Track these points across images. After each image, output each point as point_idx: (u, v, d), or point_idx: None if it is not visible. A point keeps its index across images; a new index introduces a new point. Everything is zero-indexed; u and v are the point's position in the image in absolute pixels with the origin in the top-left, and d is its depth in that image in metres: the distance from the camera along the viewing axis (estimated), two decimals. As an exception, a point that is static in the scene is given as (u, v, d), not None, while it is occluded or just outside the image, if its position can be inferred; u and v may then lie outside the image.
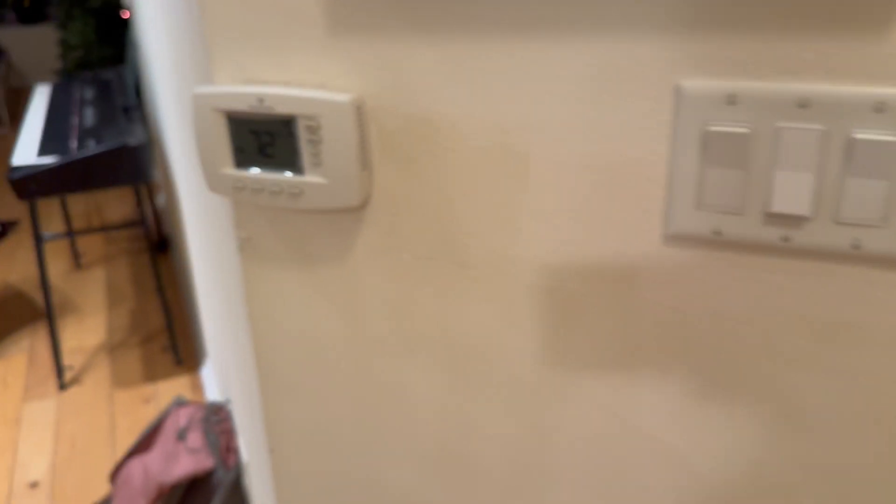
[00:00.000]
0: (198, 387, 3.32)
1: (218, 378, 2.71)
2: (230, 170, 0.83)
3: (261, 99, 0.77)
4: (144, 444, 2.13)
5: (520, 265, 0.78)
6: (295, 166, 0.80)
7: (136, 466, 2.08)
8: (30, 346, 3.69)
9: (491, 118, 0.72)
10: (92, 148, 2.92)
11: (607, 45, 0.65)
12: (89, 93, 3.93)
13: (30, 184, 2.82)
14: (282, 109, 0.77)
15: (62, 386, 3.38)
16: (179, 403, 2.17)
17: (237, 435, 2.02)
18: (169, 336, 3.52)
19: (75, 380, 3.43)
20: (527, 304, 0.79)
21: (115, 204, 5.44)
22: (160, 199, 4.59)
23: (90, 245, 4.76)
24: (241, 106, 0.78)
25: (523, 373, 0.83)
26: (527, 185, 0.74)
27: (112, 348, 3.69)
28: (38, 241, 3.16)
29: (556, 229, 0.74)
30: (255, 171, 0.82)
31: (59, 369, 3.39)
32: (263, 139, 0.80)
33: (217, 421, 2.03)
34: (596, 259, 0.74)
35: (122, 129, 3.14)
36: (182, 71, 1.43)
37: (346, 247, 0.86)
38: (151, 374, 3.44)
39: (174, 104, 1.97)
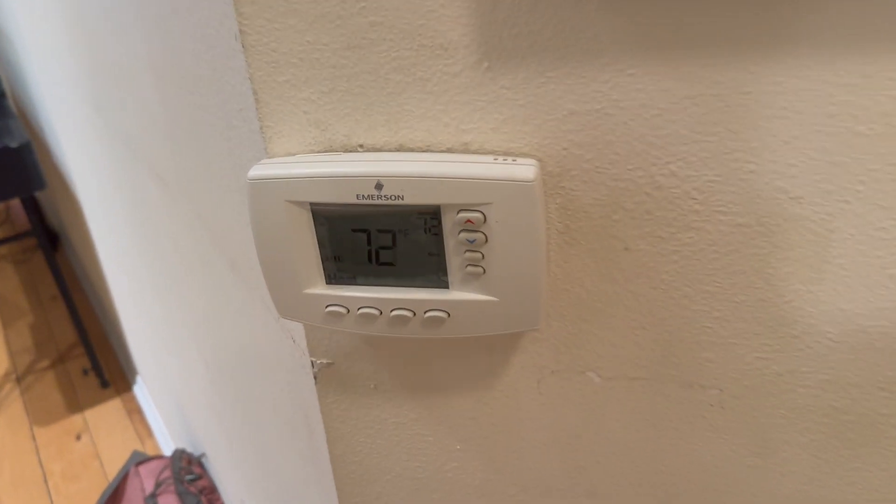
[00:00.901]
0: (135, 411, 2.91)
1: (173, 422, 2.35)
2: (320, 288, 0.52)
3: (379, 184, 0.47)
4: (104, 514, 1.79)
5: (793, 382, 0.52)
6: (436, 279, 0.50)
7: (100, 545, 1.74)
8: (-83, 388, 3.15)
9: (767, 178, 0.45)
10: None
11: None
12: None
13: None
14: (417, 198, 0.47)
15: (-32, 430, 2.90)
16: (139, 461, 1.82)
17: (219, 491, 1.71)
18: (86, 353, 3.07)
19: (-18, 420, 2.96)
20: (797, 433, 0.55)
21: (-15, 200, 4.74)
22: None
23: (-35, 254, 4.13)
24: (341, 196, 0.48)
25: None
26: (821, 274, 0.48)
27: (19, 376, 3.20)
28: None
29: (862, 332, 0.49)
30: (361, 288, 0.52)
31: (-39, 412, 2.91)
32: (379, 242, 0.50)
33: (192, 479, 1.70)
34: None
35: (-8, 127, 2.60)
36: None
37: (495, 369, 0.58)
38: (75, 403, 3.00)
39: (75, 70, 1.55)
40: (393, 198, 0.47)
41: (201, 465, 1.75)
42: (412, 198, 0.47)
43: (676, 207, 0.48)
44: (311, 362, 0.61)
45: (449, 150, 0.50)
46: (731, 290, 0.50)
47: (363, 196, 0.47)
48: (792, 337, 0.50)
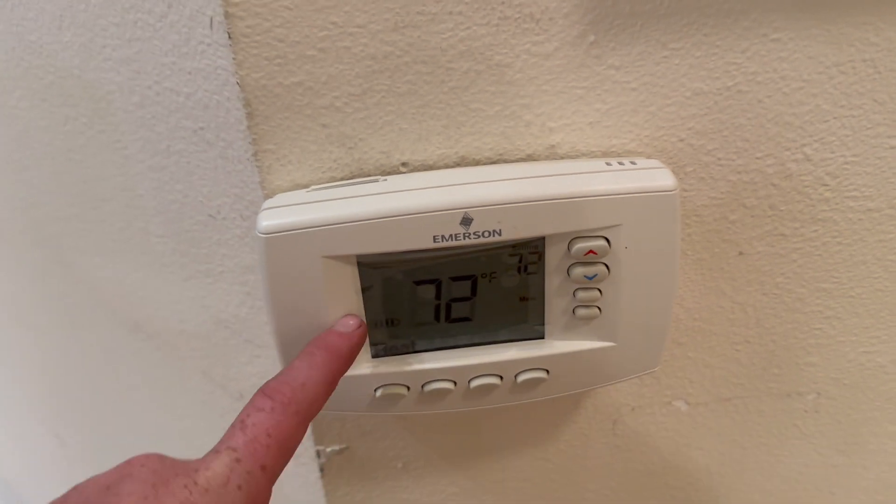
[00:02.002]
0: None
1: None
2: (365, 367, 0.38)
3: (467, 218, 0.33)
4: None
5: (894, 372, 0.47)
6: (528, 330, 0.38)
7: None
8: None
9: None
10: None
11: None
12: None
13: None
14: (519, 231, 0.34)
15: None
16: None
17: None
18: None
19: None
20: (889, 423, 0.50)
21: None
22: None
23: None
24: (409, 241, 0.34)
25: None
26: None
27: None
28: None
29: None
30: (424, 357, 0.38)
31: None
32: (453, 293, 0.37)
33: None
34: None
35: None
36: None
37: (561, 419, 0.47)
38: None
39: None
40: (486, 234, 0.34)
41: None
42: (512, 231, 0.34)
43: (805, 198, 0.39)
44: (317, 452, 0.46)
45: (529, 158, 0.37)
46: (848, 284, 0.43)
47: (443, 237, 0.33)
48: (910, 326, 0.44)
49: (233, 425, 0.29)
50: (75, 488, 0.27)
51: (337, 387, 0.38)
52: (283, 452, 0.29)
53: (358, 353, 0.34)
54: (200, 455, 0.29)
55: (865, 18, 0.35)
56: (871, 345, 0.46)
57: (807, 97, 0.36)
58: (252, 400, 0.30)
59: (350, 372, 0.37)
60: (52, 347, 0.79)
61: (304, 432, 0.30)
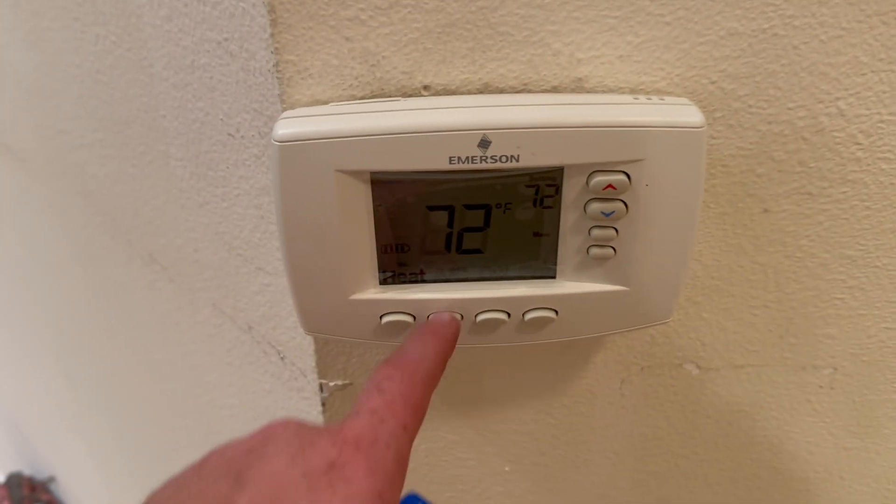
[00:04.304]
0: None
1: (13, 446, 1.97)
2: (373, 292, 0.37)
3: (485, 140, 0.32)
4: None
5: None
6: (539, 267, 0.37)
7: None
8: None
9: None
10: None
11: None
12: None
13: None
14: (537, 158, 0.33)
15: None
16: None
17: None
18: None
19: None
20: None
21: None
22: None
23: None
24: (425, 160, 0.33)
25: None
26: None
27: None
28: None
29: None
30: (433, 287, 0.37)
31: None
32: (466, 221, 0.36)
33: (39, 506, 1.42)
34: None
35: None
36: None
37: (568, 373, 0.46)
38: None
39: None
40: (503, 159, 0.33)
41: (48, 491, 1.47)
42: (530, 158, 0.33)
43: (836, 155, 0.38)
44: (321, 385, 0.46)
45: (554, 90, 0.36)
46: (874, 252, 0.42)
47: (459, 159, 0.33)
48: (937, 302, 0.43)
49: (367, 390, 0.29)
50: (214, 451, 0.27)
51: (342, 311, 0.38)
52: (419, 414, 0.29)
53: (456, 342, 0.35)
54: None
55: (914, -36, 0.33)
56: (895, 320, 0.44)
57: (845, 47, 0.35)
58: (378, 371, 0.30)
59: (356, 296, 0.37)
60: (69, 285, 0.80)
61: (429, 403, 0.31)
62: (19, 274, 0.96)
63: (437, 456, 0.50)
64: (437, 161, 0.33)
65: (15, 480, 1.48)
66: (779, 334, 0.45)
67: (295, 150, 0.33)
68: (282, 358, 0.48)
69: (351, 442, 0.26)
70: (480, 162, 0.33)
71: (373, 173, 0.34)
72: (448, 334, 0.34)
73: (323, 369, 0.45)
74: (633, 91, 0.36)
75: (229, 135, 0.41)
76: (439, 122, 0.33)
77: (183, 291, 0.57)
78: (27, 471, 1.54)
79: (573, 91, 0.36)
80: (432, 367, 0.32)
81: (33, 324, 1.03)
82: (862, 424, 0.49)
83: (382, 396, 0.29)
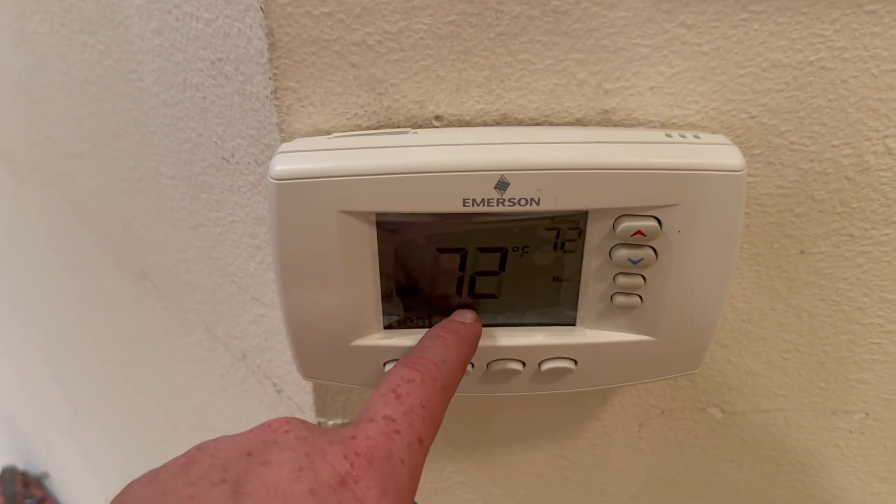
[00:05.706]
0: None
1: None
2: (377, 338, 0.34)
3: (503, 182, 0.29)
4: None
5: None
6: (558, 314, 0.34)
7: None
8: None
9: None
10: None
11: None
12: None
13: None
14: (559, 202, 0.30)
15: None
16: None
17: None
18: None
19: None
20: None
21: None
22: None
23: None
24: (437, 202, 0.30)
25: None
26: None
27: None
28: None
29: None
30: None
31: None
32: (479, 265, 0.33)
33: (34, 501, 1.40)
34: None
35: None
36: None
37: (584, 415, 0.44)
38: None
39: None
40: (523, 202, 0.30)
41: (42, 487, 1.45)
42: (552, 201, 0.30)
43: (881, 196, 0.35)
44: (318, 424, 0.43)
45: (578, 122, 0.33)
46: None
47: (474, 202, 0.30)
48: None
49: (383, 394, 0.27)
50: (203, 448, 0.23)
51: (344, 357, 0.35)
52: (436, 426, 0.27)
53: (477, 345, 0.32)
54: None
55: (979, -5, 0.30)
56: (933, 366, 0.42)
57: (899, 80, 0.32)
58: (395, 371, 0.28)
59: (359, 342, 0.34)
60: (58, 291, 0.77)
61: (446, 410, 0.28)
62: (10, 275, 0.93)
63: (441, 496, 0.47)
64: (449, 203, 0.30)
65: (9, 475, 1.46)
66: (809, 379, 0.42)
67: (294, 189, 0.30)
68: (278, 391, 0.45)
69: (364, 454, 0.24)
70: (497, 205, 0.30)
71: (378, 214, 0.31)
72: (471, 337, 0.32)
73: (322, 407, 0.42)
74: (663, 125, 0.33)
75: (224, 159, 0.38)
76: (453, 161, 0.29)
77: (174, 311, 0.54)
78: (21, 465, 1.51)
79: (598, 124, 0.33)
80: (452, 374, 0.29)
81: (25, 326, 1.00)
82: (892, 469, 0.47)
83: (400, 403, 0.26)
